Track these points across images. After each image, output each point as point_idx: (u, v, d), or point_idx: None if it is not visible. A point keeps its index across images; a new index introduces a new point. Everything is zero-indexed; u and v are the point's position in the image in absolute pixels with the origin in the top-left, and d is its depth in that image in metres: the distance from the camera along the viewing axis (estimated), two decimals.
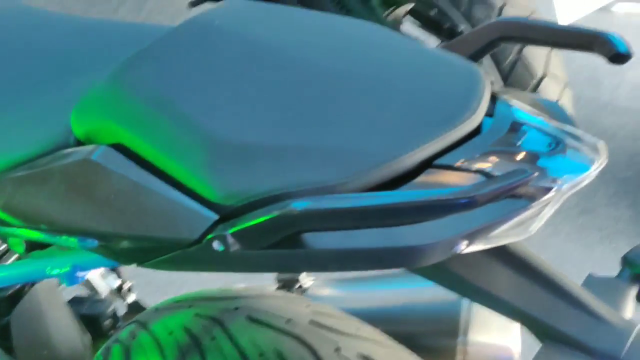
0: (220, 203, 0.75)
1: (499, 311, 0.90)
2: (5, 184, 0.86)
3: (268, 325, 0.84)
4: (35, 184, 0.84)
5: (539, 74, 2.07)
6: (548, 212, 0.80)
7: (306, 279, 1.29)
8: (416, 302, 1.14)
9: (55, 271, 0.98)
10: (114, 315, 1.42)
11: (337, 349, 0.82)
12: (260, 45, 0.86)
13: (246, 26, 0.90)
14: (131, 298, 1.46)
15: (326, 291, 1.23)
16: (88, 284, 1.44)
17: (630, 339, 0.85)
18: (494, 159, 0.78)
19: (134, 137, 0.79)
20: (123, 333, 0.94)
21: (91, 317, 1.39)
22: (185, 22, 0.90)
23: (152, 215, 0.78)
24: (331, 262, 0.75)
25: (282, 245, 0.74)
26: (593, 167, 0.82)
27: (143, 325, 0.92)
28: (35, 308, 1.31)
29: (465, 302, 1.09)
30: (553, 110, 0.90)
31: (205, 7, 1.86)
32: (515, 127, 0.82)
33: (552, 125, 0.86)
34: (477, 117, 0.81)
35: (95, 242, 0.83)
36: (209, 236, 0.76)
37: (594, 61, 1.52)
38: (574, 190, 0.81)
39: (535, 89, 2.05)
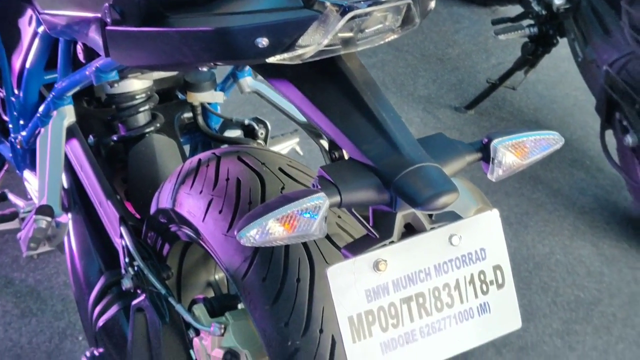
0: None
1: (313, 121, 1.07)
2: None
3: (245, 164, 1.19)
4: None
5: None
6: (337, 30, 0.99)
7: None
8: None
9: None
10: None
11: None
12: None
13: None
14: None
15: None
16: None
17: (406, 170, 0.98)
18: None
19: None
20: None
21: None
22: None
23: None
24: (182, 46, 1.02)
25: (152, 24, 1.05)
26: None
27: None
28: (148, 152, 1.51)
29: None
30: None
31: None
32: None
33: None
34: None
35: None
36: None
37: None
38: (362, 11, 0.98)
39: None
